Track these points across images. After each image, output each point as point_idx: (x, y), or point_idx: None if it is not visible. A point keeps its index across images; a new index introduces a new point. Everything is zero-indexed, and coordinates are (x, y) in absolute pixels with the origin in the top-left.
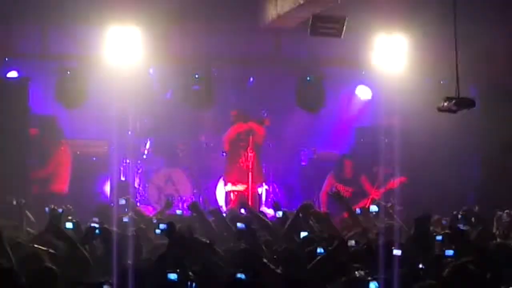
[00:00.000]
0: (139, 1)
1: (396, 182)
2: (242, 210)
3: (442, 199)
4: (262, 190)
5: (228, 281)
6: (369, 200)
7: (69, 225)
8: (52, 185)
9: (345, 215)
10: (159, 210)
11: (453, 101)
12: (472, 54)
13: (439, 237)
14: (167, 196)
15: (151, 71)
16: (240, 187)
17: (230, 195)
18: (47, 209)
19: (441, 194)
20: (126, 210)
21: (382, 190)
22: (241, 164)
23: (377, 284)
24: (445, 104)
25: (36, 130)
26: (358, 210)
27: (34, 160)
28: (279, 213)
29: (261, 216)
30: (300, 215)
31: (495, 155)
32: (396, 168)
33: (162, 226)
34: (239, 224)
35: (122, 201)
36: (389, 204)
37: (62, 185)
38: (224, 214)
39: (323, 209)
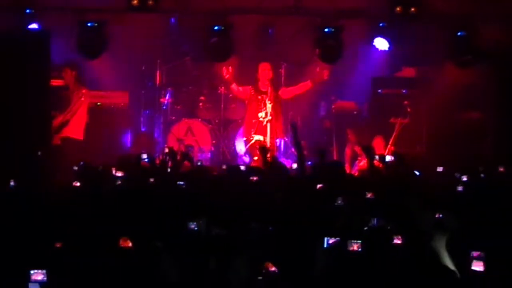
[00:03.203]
0: None
1: (397, 124)
2: None
3: (460, 151)
4: (281, 142)
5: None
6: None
7: None
8: (69, 132)
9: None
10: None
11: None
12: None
13: (459, 188)
14: (186, 147)
15: (172, 20)
16: (259, 137)
17: (253, 148)
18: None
19: (459, 145)
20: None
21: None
22: (260, 116)
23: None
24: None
25: (57, 81)
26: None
27: (56, 112)
28: (295, 165)
29: None
30: None
31: None
32: (413, 118)
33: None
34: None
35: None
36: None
37: (79, 132)
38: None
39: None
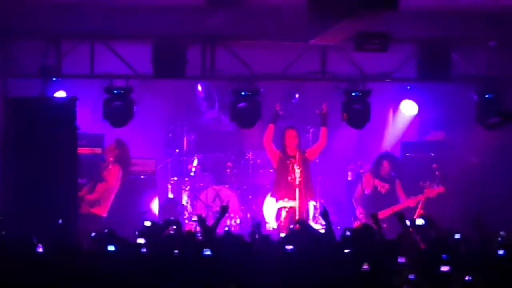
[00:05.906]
0: (185, 18)
1: (434, 191)
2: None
3: (490, 213)
4: (310, 206)
5: None
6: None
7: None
8: (95, 208)
9: None
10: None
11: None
12: None
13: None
14: (214, 213)
15: (199, 88)
16: (290, 203)
17: (281, 212)
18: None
19: (490, 208)
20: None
21: (418, 198)
22: (290, 180)
23: None
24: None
25: (84, 149)
26: (408, 222)
27: (83, 180)
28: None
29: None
30: None
31: None
32: (442, 183)
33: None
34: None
35: None
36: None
37: (104, 207)
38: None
39: (357, 208)
